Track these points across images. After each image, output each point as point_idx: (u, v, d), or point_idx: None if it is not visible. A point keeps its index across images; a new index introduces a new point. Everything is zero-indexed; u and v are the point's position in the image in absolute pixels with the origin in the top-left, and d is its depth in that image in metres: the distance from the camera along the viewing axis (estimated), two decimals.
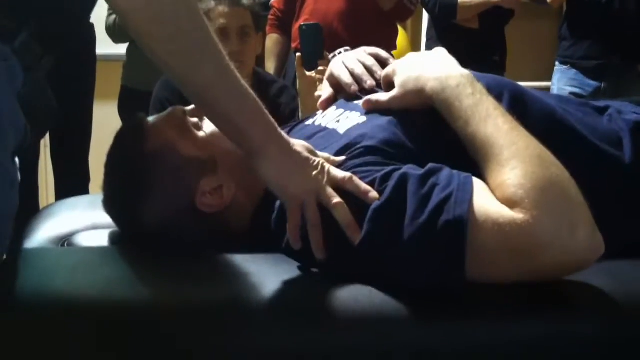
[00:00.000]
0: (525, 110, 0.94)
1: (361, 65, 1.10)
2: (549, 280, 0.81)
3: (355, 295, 0.80)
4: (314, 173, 0.85)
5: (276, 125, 0.86)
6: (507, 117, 0.86)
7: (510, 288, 0.81)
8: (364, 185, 0.83)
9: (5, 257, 0.83)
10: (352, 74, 1.09)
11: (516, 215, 0.77)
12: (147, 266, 0.88)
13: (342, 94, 1.13)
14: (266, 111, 0.86)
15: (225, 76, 0.82)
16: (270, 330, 0.79)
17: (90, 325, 0.77)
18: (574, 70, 2.58)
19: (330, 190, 0.84)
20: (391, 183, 0.82)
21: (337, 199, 0.83)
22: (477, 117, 0.86)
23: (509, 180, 0.80)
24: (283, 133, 0.87)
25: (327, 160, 0.88)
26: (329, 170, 0.85)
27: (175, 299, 0.81)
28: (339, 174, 0.85)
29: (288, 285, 0.84)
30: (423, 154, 0.89)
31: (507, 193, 0.79)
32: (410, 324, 0.79)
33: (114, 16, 2.54)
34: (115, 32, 2.58)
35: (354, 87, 1.08)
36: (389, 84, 1.01)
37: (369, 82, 1.07)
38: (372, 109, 0.98)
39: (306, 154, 0.87)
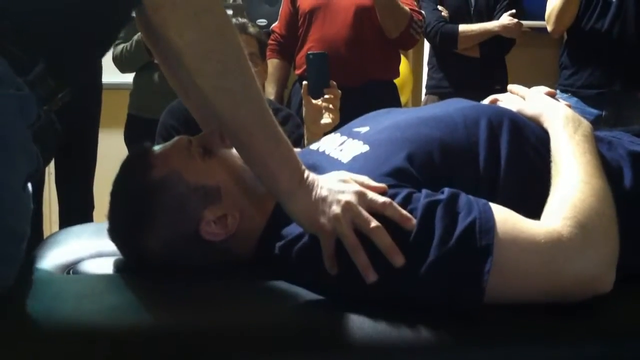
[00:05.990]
0: (524, 138, 0.95)
1: None
2: (561, 301, 0.83)
3: (369, 323, 0.81)
4: (346, 200, 0.85)
5: (302, 167, 0.89)
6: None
7: (522, 313, 0.82)
8: (404, 212, 0.83)
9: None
10: None
11: (549, 223, 0.83)
12: (152, 293, 0.88)
13: None
14: (296, 155, 0.89)
15: (263, 119, 0.87)
16: (277, 356, 0.80)
17: (96, 352, 0.78)
18: (574, 99, 2.58)
19: (366, 215, 0.84)
20: (418, 209, 0.84)
21: (374, 223, 0.83)
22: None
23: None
24: (309, 174, 0.89)
25: (362, 184, 0.88)
26: (366, 196, 0.85)
27: (180, 326, 0.81)
28: (379, 199, 0.85)
29: (296, 311, 0.85)
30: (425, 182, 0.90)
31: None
32: (425, 352, 0.80)
33: (121, 46, 2.57)
34: (123, 62, 2.60)
35: None
36: None
37: None
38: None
39: (338, 184, 0.87)
